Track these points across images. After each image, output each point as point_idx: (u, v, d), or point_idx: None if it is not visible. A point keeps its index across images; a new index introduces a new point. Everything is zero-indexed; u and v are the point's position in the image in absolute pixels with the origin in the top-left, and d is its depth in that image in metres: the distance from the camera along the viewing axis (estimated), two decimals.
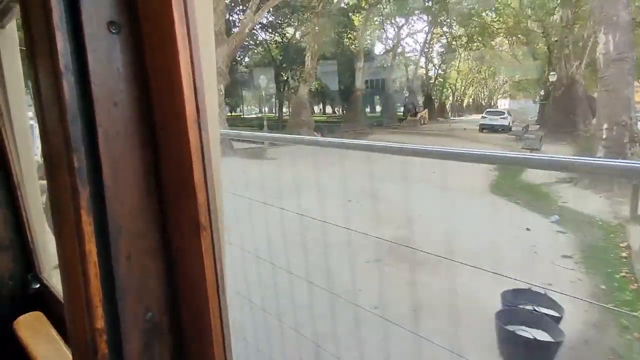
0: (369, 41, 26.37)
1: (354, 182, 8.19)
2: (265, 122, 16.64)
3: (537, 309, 3.14)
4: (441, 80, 37.09)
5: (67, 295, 0.47)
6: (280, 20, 24.44)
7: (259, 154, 13.48)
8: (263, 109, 41.17)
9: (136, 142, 0.42)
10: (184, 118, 0.40)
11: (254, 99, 39.87)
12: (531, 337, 2.84)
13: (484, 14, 28.26)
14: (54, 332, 0.92)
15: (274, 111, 35.75)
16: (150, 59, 0.42)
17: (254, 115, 37.84)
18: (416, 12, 27.85)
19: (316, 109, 37.97)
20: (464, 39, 31.55)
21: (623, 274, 4.62)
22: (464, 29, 30.15)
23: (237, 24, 21.89)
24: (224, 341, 0.44)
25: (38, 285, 1.05)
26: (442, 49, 34.17)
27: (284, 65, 26.49)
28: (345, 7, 21.21)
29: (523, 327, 3.02)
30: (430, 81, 34.87)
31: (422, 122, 28.05)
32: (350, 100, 24.02)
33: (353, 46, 26.01)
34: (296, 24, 24.42)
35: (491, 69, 40.13)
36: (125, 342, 0.42)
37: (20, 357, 0.89)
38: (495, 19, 28.76)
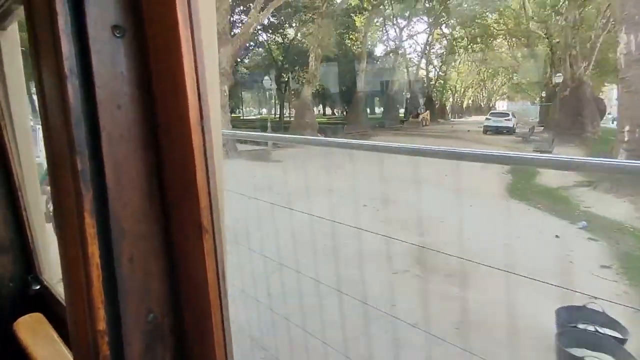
0: (370, 42, 26.10)
1: (365, 185, 7.95)
2: (268, 124, 16.30)
3: (599, 330, 2.86)
4: (441, 81, 37.03)
5: (69, 297, 0.47)
6: (282, 21, 24.16)
7: (263, 156, 13.24)
8: (261, 111, 41.01)
9: (139, 145, 0.42)
10: (188, 121, 0.40)
11: (253, 100, 39.58)
12: None
13: (484, 15, 28.22)
14: (54, 333, 0.91)
15: (272, 112, 35.47)
16: (154, 62, 0.42)
17: (253, 117, 37.53)
18: (417, 13, 27.74)
19: (315, 110, 37.76)
20: (465, 41, 31.48)
21: None
22: (464, 31, 30.07)
23: (237, 25, 21.63)
24: (226, 343, 0.44)
25: (38, 287, 1.05)
26: (443, 51, 34.13)
27: (286, 66, 26.21)
28: (348, 7, 20.96)
29: (588, 351, 2.74)
30: (431, 83, 34.77)
31: (424, 124, 27.92)
32: (353, 101, 23.78)
33: (355, 47, 25.80)
34: (298, 24, 24.15)
35: (489, 71, 40.15)
36: (126, 344, 0.42)
37: (20, 359, 0.88)
38: (496, 21, 28.74)
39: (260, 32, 24.83)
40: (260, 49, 27.14)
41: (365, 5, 22.94)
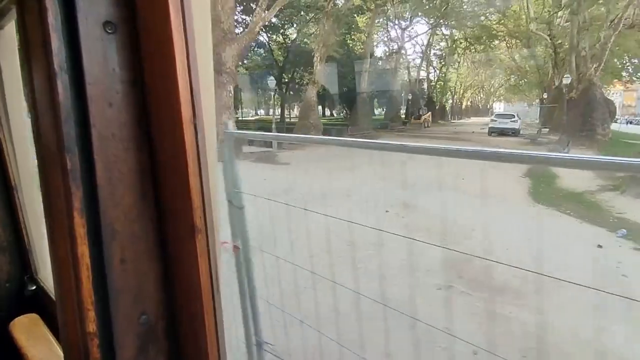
0: (372, 43, 25.79)
1: (381, 189, 7.61)
2: (273, 125, 15.91)
3: None
4: (441, 82, 36.90)
5: (59, 298, 0.46)
6: (284, 21, 23.77)
7: (269, 158, 12.91)
8: (259, 112, 40.55)
9: (131, 144, 0.42)
10: (180, 120, 0.39)
11: (251, 101, 39.15)
12: None
13: (486, 15, 28.13)
14: (49, 334, 0.91)
15: (269, 113, 35.02)
16: (146, 59, 0.41)
17: (251, 118, 37.01)
18: (418, 13, 27.56)
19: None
20: (465, 42, 31.37)
21: None
22: (464, 32, 29.94)
23: (238, 24, 21.23)
24: (219, 345, 0.44)
25: (34, 287, 1.04)
26: (444, 52, 33.99)
27: (287, 66, 25.81)
28: (351, 7, 20.66)
29: None
30: (432, 84, 34.61)
31: (425, 125, 27.71)
32: (355, 102, 23.43)
33: (358, 48, 25.50)
34: (301, 24, 23.79)
35: (487, 72, 40.16)
36: (118, 346, 0.41)
37: (15, 359, 0.88)
38: (496, 22, 28.66)
39: (260, 31, 24.44)
40: (260, 49, 26.73)
41: (368, 5, 22.65)
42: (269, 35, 25.45)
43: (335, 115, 38.14)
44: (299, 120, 19.15)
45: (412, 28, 30.16)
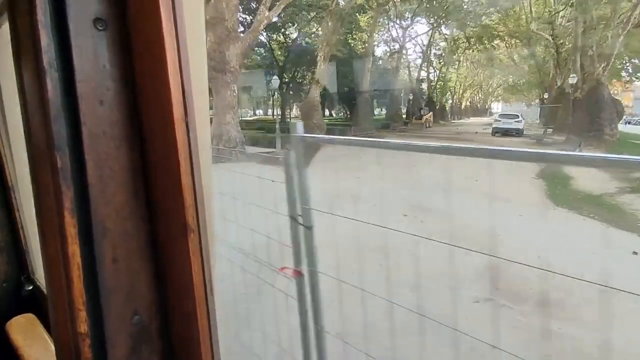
0: (373, 42, 25.54)
1: (391, 190, 7.36)
2: (277, 126, 15.60)
3: None
4: (441, 82, 36.79)
5: (51, 298, 0.46)
6: (285, 20, 23.46)
7: (274, 160, 12.59)
8: (257, 112, 40.18)
9: (123, 142, 0.41)
10: (172, 119, 0.39)
11: (249, 101, 38.80)
12: None
13: (485, 16, 28.06)
14: (45, 334, 0.91)
15: (269, 113, 34.67)
16: (137, 57, 0.41)
17: (249, 118, 36.64)
18: (420, 13, 27.40)
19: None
20: (465, 42, 31.27)
21: None
22: (464, 32, 29.83)
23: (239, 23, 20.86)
24: (212, 346, 0.43)
25: (31, 287, 1.04)
26: (444, 51, 33.87)
27: (287, 66, 25.49)
28: (354, 6, 20.40)
29: None
30: (432, 84, 34.47)
31: (427, 126, 27.56)
32: (357, 102, 23.16)
33: (360, 47, 25.24)
34: (302, 23, 23.49)
35: (486, 72, 40.14)
36: (110, 346, 0.41)
37: (12, 359, 0.88)
38: (496, 22, 28.59)
39: (261, 31, 24.11)
40: (260, 49, 26.39)
41: (370, 4, 22.41)
42: (269, 34, 25.15)
43: (334, 115, 37.87)
44: (302, 121, 18.81)
45: (413, 28, 30.04)
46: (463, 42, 31.63)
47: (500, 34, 29.77)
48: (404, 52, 29.45)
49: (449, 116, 40.02)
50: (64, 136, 0.38)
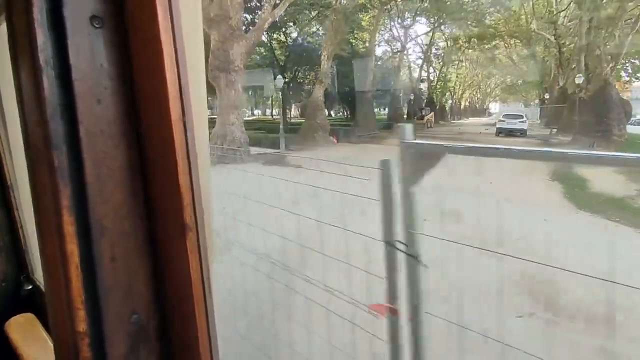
0: (374, 42, 25.29)
1: (421, 195, 7.06)
2: (280, 126, 15.29)
3: None
4: (442, 82, 36.65)
5: (49, 297, 0.45)
6: (286, 19, 23.15)
7: (280, 161, 12.41)
8: (255, 112, 39.79)
9: (121, 141, 0.41)
10: (169, 118, 0.39)
11: (248, 101, 38.43)
12: None
13: (487, 15, 27.94)
14: (45, 334, 0.91)
15: (267, 113, 34.32)
16: (135, 54, 0.41)
17: (248, 118, 36.26)
18: (422, 14, 27.23)
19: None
20: (467, 42, 31.13)
21: None
22: (464, 32, 29.68)
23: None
24: (211, 344, 0.43)
25: (30, 287, 1.04)
26: (444, 51, 33.73)
27: (288, 65, 25.17)
28: (358, 5, 20.15)
29: None
30: (432, 84, 34.31)
31: (428, 126, 27.37)
32: (359, 102, 22.89)
33: (361, 47, 24.98)
34: (304, 22, 23.18)
35: (484, 72, 40.07)
36: (109, 346, 0.41)
37: (11, 359, 0.87)
38: (496, 22, 28.47)
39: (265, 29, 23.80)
40: (260, 48, 26.05)
41: (373, 3, 22.16)
42: (269, 33, 24.82)
43: (333, 115, 37.59)
44: (305, 120, 18.50)
45: (414, 28, 29.85)
46: (462, 42, 31.49)
47: (500, 33, 29.65)
48: (404, 51, 29.24)
49: (449, 116, 39.90)
50: (61, 134, 0.38)
